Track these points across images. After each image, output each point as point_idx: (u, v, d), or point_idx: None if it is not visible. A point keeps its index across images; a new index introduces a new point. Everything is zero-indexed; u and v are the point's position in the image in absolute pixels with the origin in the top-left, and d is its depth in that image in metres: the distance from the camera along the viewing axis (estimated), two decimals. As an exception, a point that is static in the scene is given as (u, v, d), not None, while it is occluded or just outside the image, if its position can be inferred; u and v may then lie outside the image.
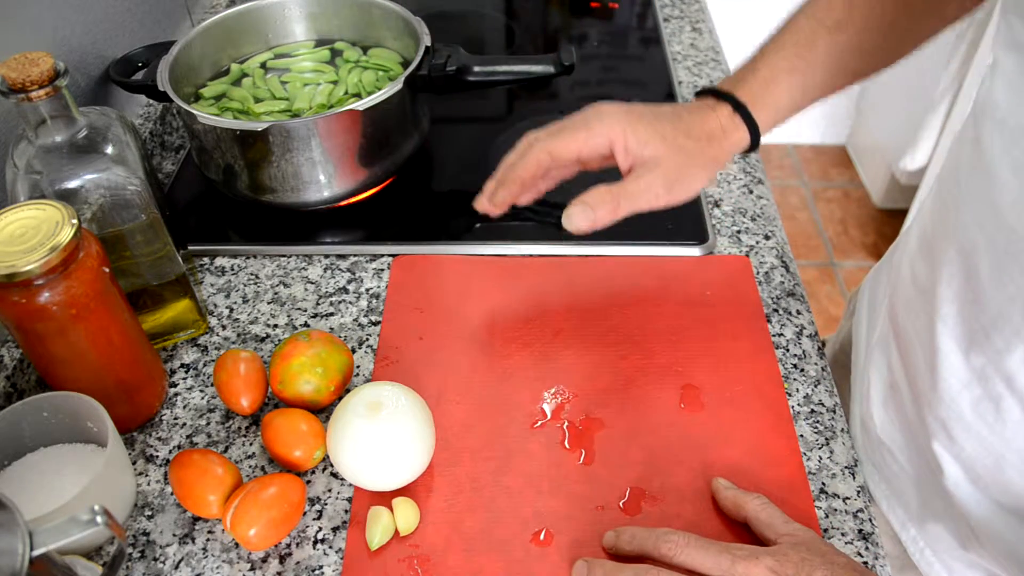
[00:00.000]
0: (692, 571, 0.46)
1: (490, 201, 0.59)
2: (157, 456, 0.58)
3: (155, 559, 0.52)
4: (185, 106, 0.67)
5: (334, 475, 0.56)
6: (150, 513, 0.54)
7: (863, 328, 0.68)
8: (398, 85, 0.69)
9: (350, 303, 0.68)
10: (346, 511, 0.54)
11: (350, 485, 0.55)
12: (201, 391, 0.62)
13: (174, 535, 0.53)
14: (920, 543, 0.58)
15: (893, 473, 0.60)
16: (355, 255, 0.72)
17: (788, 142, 2.36)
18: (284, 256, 0.72)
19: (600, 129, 0.54)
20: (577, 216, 0.54)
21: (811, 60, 0.56)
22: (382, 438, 0.51)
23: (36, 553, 0.36)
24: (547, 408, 0.59)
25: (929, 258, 0.53)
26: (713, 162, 0.55)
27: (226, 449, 0.58)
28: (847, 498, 0.54)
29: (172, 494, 0.55)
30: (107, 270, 0.52)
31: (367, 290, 0.69)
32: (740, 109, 0.55)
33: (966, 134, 0.49)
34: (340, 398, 0.59)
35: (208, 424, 0.59)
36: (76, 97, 0.71)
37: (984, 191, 0.46)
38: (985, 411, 0.48)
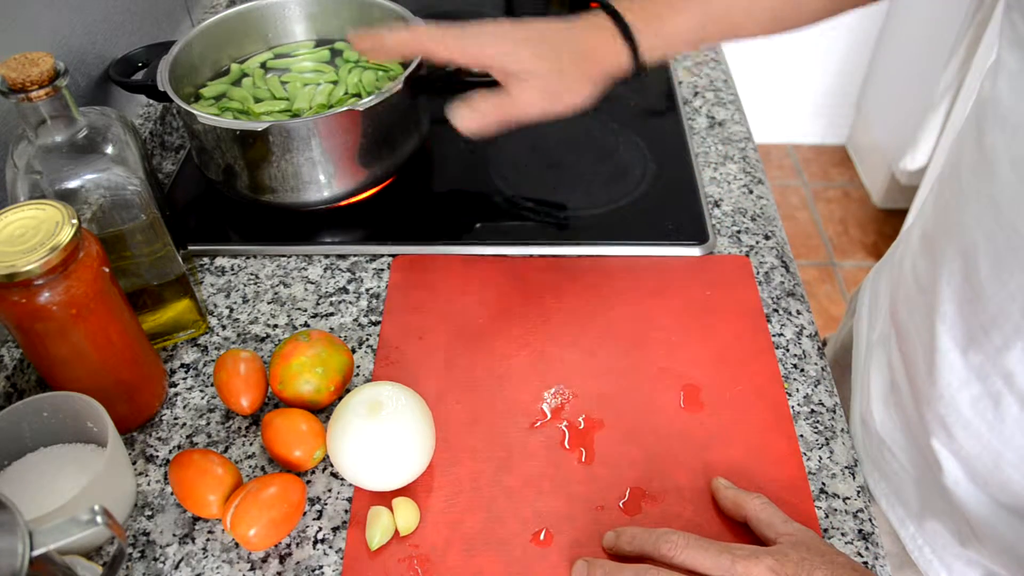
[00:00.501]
0: (692, 571, 0.46)
1: (361, 46, 0.59)
2: (157, 456, 0.58)
3: (155, 559, 0.52)
4: (185, 106, 0.67)
5: (334, 475, 0.56)
6: (150, 513, 0.54)
7: (864, 326, 0.68)
8: (398, 85, 0.69)
9: (350, 303, 0.68)
10: (346, 511, 0.54)
11: (350, 485, 0.55)
12: (201, 391, 0.62)
13: (174, 535, 0.53)
14: (919, 541, 0.59)
15: (893, 471, 0.60)
16: (355, 255, 0.72)
17: (788, 142, 2.36)
18: (284, 256, 0.72)
19: (477, 47, 0.56)
20: (466, 116, 0.56)
21: None
22: (382, 438, 0.51)
23: (36, 553, 0.36)
24: (547, 408, 0.59)
25: (930, 256, 0.53)
26: (588, 78, 0.56)
27: (226, 449, 0.58)
28: (847, 498, 0.54)
29: (172, 494, 0.55)
30: (107, 270, 0.52)
31: (367, 290, 0.69)
32: (626, 31, 0.55)
33: (967, 132, 0.49)
34: (340, 398, 0.59)
35: (208, 424, 0.59)
36: (76, 97, 0.70)
37: (985, 188, 0.46)
38: (984, 409, 0.48)
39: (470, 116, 0.56)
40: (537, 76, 0.55)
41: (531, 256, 0.71)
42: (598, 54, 0.56)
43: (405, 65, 0.77)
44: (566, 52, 0.56)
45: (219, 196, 0.77)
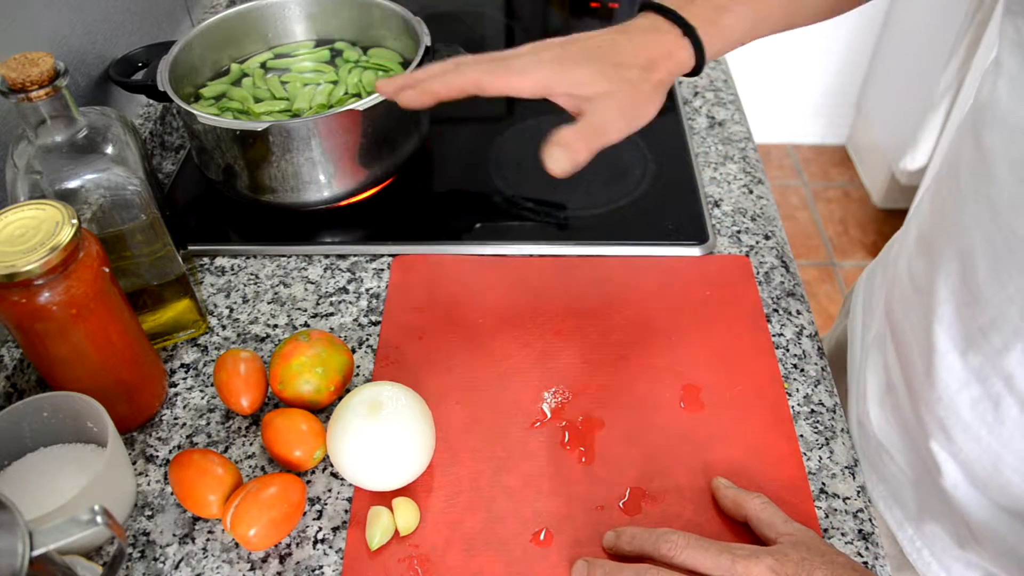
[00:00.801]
0: (692, 571, 0.46)
1: (394, 91, 0.55)
2: (157, 456, 0.58)
3: (155, 559, 0.52)
4: (185, 106, 0.67)
5: (334, 475, 0.56)
6: (150, 513, 0.54)
7: (859, 327, 0.68)
8: (398, 85, 0.69)
9: (350, 303, 0.68)
10: (346, 511, 0.54)
11: (350, 485, 0.55)
12: (201, 391, 0.62)
13: (174, 535, 0.53)
14: (917, 543, 0.58)
15: (890, 473, 0.60)
16: (355, 255, 0.72)
17: (788, 142, 2.36)
18: (284, 256, 0.72)
19: (532, 79, 0.52)
20: (561, 158, 0.52)
21: None
22: (382, 438, 0.51)
23: (36, 553, 0.36)
24: (547, 408, 0.59)
25: (927, 257, 0.53)
26: (659, 86, 0.55)
27: (226, 449, 0.58)
28: (847, 498, 0.54)
29: (172, 494, 0.55)
30: (107, 270, 0.52)
31: (367, 290, 0.69)
32: (690, 33, 0.54)
33: (965, 133, 0.49)
34: (340, 398, 0.59)
35: (208, 424, 0.59)
36: (76, 97, 0.70)
37: (983, 190, 0.46)
38: (984, 411, 0.48)
39: (563, 157, 0.52)
40: (611, 96, 0.53)
41: (531, 256, 0.71)
42: (663, 58, 0.54)
43: (405, 65, 0.77)
44: (630, 63, 0.53)
45: (219, 196, 0.77)
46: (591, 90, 0.52)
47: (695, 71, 0.56)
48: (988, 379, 0.47)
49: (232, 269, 0.71)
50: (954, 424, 0.51)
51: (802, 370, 0.62)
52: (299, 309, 0.67)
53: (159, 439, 0.59)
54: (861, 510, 0.54)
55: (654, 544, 0.47)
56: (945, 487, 0.53)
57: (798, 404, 0.60)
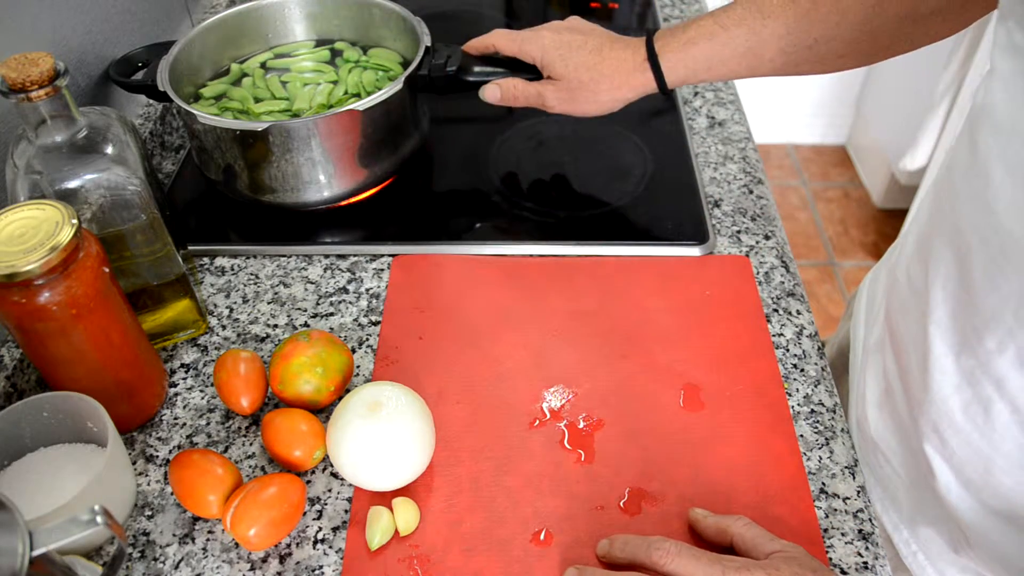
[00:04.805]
0: None
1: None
2: (157, 456, 0.58)
3: (155, 559, 0.52)
4: (185, 106, 0.67)
5: (334, 475, 0.56)
6: (150, 513, 0.54)
7: (861, 330, 0.68)
8: (398, 85, 0.69)
9: (350, 303, 0.68)
10: (346, 511, 0.54)
11: (350, 485, 0.55)
12: (201, 391, 0.62)
13: (174, 535, 0.53)
14: (913, 546, 0.59)
15: (887, 475, 0.60)
16: (355, 255, 0.72)
17: (788, 142, 2.36)
18: (284, 256, 0.72)
19: (529, 50, 0.68)
20: (495, 98, 0.70)
21: (729, 37, 0.62)
22: (382, 438, 0.51)
23: (36, 553, 0.36)
24: (547, 408, 0.59)
25: (924, 260, 0.53)
26: (613, 99, 0.67)
27: (226, 449, 0.58)
28: (847, 498, 0.54)
29: (172, 494, 0.55)
30: (107, 270, 0.52)
31: (367, 290, 0.69)
32: (652, 58, 0.64)
33: (962, 137, 0.49)
34: (340, 398, 0.59)
35: (208, 424, 0.59)
36: (76, 97, 0.71)
37: (979, 193, 0.46)
38: (975, 414, 0.48)
39: (497, 90, 0.70)
40: (572, 84, 0.66)
41: (531, 256, 0.71)
42: (627, 76, 0.65)
43: (405, 65, 0.77)
44: (604, 70, 0.66)
45: (219, 196, 0.77)
46: (566, 71, 0.67)
47: (663, 92, 0.66)
48: (979, 382, 0.47)
49: (232, 269, 0.71)
50: (947, 427, 0.51)
51: (802, 370, 0.62)
52: (299, 309, 0.67)
53: (159, 439, 0.59)
54: (861, 510, 0.54)
55: (646, 552, 0.47)
56: (939, 490, 0.53)
57: (798, 404, 0.60)
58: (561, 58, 0.66)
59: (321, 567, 0.51)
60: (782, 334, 0.65)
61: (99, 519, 0.38)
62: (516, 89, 0.69)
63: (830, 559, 0.51)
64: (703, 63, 0.64)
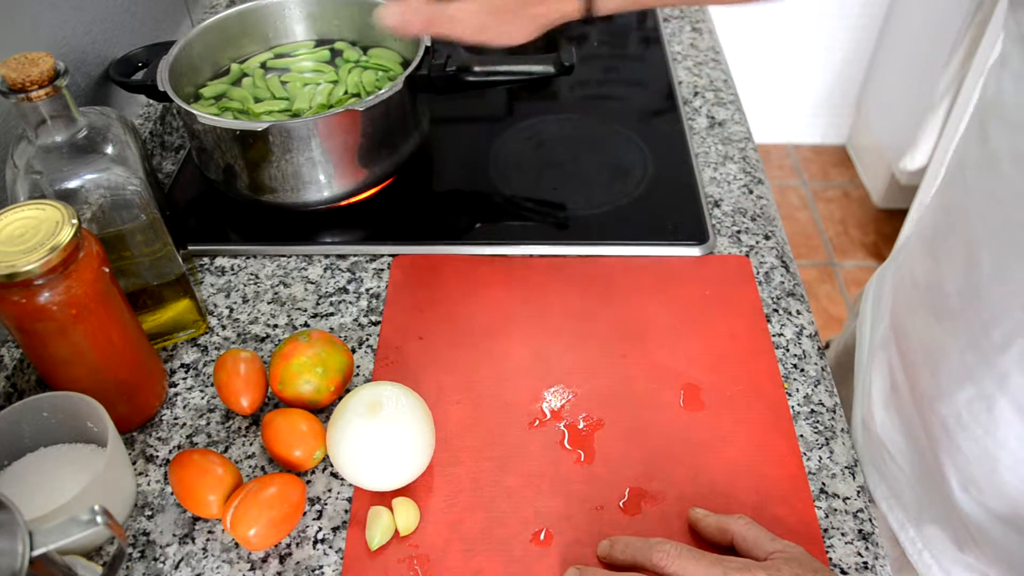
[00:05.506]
0: None
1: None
2: (157, 456, 0.58)
3: (155, 559, 0.52)
4: (185, 106, 0.67)
5: (334, 475, 0.56)
6: (150, 513, 0.54)
7: (867, 329, 0.68)
8: (398, 85, 0.69)
9: (350, 303, 0.68)
10: (346, 511, 0.54)
11: (350, 485, 0.55)
12: (201, 391, 0.62)
13: (174, 535, 0.53)
14: (918, 544, 0.58)
15: (892, 474, 0.60)
16: (355, 255, 0.72)
17: (788, 142, 2.36)
18: (284, 256, 0.72)
19: None
20: (394, 20, 0.59)
21: None
22: (382, 438, 0.51)
23: (36, 553, 0.36)
24: (547, 408, 0.59)
25: (932, 254, 0.53)
26: (531, 20, 0.58)
27: (226, 449, 0.58)
28: (847, 498, 0.54)
29: (172, 494, 0.55)
30: (107, 270, 0.52)
31: (367, 290, 0.69)
32: None
33: (971, 129, 0.49)
34: (340, 398, 0.59)
35: (208, 424, 0.59)
36: (76, 97, 0.71)
37: (988, 185, 0.46)
38: (978, 412, 0.48)
39: (397, 13, 0.58)
40: (479, 4, 0.57)
41: (531, 256, 0.71)
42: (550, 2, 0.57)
43: (405, 65, 0.77)
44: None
45: (219, 196, 0.77)
46: None
47: (587, 17, 0.58)
48: (983, 379, 0.47)
49: (232, 269, 0.71)
50: (953, 424, 0.51)
51: (802, 370, 0.62)
52: (299, 309, 0.67)
53: (159, 439, 0.59)
54: (861, 510, 0.54)
55: (647, 553, 0.47)
56: (945, 488, 0.53)
57: (798, 404, 0.60)
58: None
59: (321, 567, 0.51)
60: (782, 334, 0.65)
61: (99, 519, 0.38)
62: (419, 12, 0.58)
63: (830, 559, 0.51)
64: None
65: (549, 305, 0.67)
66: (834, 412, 0.60)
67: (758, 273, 0.69)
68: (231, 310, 0.68)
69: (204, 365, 0.63)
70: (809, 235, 2.11)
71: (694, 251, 0.71)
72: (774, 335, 0.64)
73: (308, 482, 0.56)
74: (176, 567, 0.51)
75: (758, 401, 0.59)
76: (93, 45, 0.75)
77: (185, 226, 0.75)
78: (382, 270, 0.70)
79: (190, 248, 0.72)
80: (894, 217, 2.12)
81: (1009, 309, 0.45)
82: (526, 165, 0.81)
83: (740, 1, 0.61)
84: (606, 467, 0.56)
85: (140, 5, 0.84)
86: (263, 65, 0.82)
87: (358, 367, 0.63)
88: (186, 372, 0.63)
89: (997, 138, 0.45)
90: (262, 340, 0.65)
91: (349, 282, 0.70)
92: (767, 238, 0.73)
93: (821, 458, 0.56)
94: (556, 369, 0.62)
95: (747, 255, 0.71)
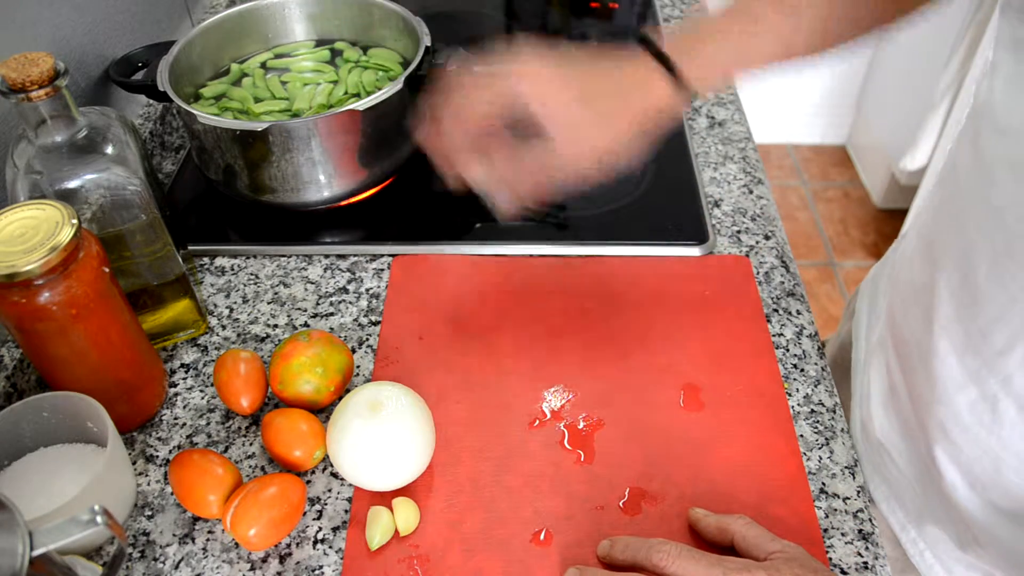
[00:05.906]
0: None
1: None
2: (157, 456, 0.58)
3: (155, 559, 0.52)
4: (185, 106, 0.67)
5: (334, 475, 0.56)
6: (150, 513, 0.54)
7: (863, 329, 0.68)
8: (398, 85, 0.69)
9: (350, 303, 0.68)
10: (346, 511, 0.54)
11: (350, 485, 0.55)
12: (201, 391, 0.62)
13: (174, 535, 0.53)
14: (920, 545, 0.58)
15: (892, 475, 0.60)
16: (355, 255, 0.72)
17: (788, 142, 2.36)
18: (284, 256, 0.72)
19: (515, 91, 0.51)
20: (504, 206, 0.53)
21: (753, 27, 0.53)
22: (382, 438, 0.51)
23: (36, 553, 0.36)
24: (547, 408, 0.59)
25: (928, 259, 0.53)
26: (630, 122, 0.51)
27: (226, 449, 0.58)
28: (847, 498, 0.54)
29: (172, 494, 0.55)
30: (107, 270, 0.52)
31: (367, 290, 0.69)
32: (663, 60, 0.50)
33: (965, 134, 0.49)
34: (340, 398, 0.59)
35: (208, 424, 0.59)
36: (76, 97, 0.70)
37: (982, 191, 0.46)
38: (981, 412, 0.48)
39: (508, 205, 0.51)
40: (579, 126, 0.50)
41: (531, 256, 0.71)
42: (639, 90, 0.50)
43: (405, 65, 0.77)
44: (605, 94, 0.50)
45: (219, 196, 0.77)
46: (568, 117, 0.50)
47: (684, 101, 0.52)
48: (986, 381, 0.47)
49: (232, 269, 0.71)
50: (954, 426, 0.50)
51: (802, 370, 0.62)
52: (299, 309, 0.67)
53: (159, 439, 0.59)
54: (861, 510, 0.54)
55: (647, 554, 0.47)
56: (946, 489, 0.53)
57: (798, 404, 0.60)
58: (570, 96, 0.50)
59: (321, 567, 0.51)
60: (782, 334, 0.65)
61: (99, 519, 0.38)
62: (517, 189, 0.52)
63: (830, 559, 0.51)
64: (725, 60, 0.52)
65: (549, 305, 0.67)
66: (834, 412, 0.59)
67: (758, 273, 0.69)
68: (231, 310, 0.68)
69: (204, 365, 0.63)
70: (809, 235, 2.11)
71: (694, 251, 0.71)
72: (774, 335, 0.64)
73: (308, 482, 0.55)
74: (176, 567, 0.51)
75: (758, 401, 0.59)
76: (93, 45, 0.75)
77: (185, 226, 0.75)
78: (382, 270, 0.70)
79: (190, 248, 0.72)
80: (894, 217, 2.12)
81: (1009, 315, 0.45)
82: (526, 165, 0.81)
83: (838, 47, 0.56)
84: (606, 467, 0.56)
85: (140, 5, 0.84)
86: (263, 65, 0.82)
87: (358, 367, 0.63)
88: (186, 372, 0.63)
89: (989, 143, 0.45)
90: (262, 340, 0.65)
91: (349, 282, 0.70)
92: (767, 238, 0.73)
93: (821, 458, 0.56)
94: (556, 369, 0.62)
95: (747, 255, 0.71)
